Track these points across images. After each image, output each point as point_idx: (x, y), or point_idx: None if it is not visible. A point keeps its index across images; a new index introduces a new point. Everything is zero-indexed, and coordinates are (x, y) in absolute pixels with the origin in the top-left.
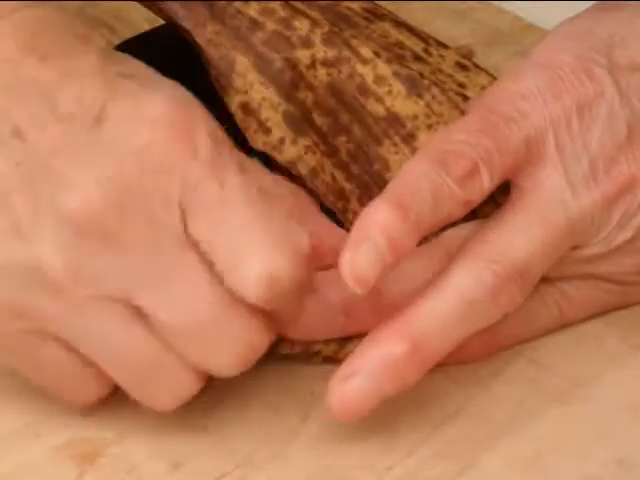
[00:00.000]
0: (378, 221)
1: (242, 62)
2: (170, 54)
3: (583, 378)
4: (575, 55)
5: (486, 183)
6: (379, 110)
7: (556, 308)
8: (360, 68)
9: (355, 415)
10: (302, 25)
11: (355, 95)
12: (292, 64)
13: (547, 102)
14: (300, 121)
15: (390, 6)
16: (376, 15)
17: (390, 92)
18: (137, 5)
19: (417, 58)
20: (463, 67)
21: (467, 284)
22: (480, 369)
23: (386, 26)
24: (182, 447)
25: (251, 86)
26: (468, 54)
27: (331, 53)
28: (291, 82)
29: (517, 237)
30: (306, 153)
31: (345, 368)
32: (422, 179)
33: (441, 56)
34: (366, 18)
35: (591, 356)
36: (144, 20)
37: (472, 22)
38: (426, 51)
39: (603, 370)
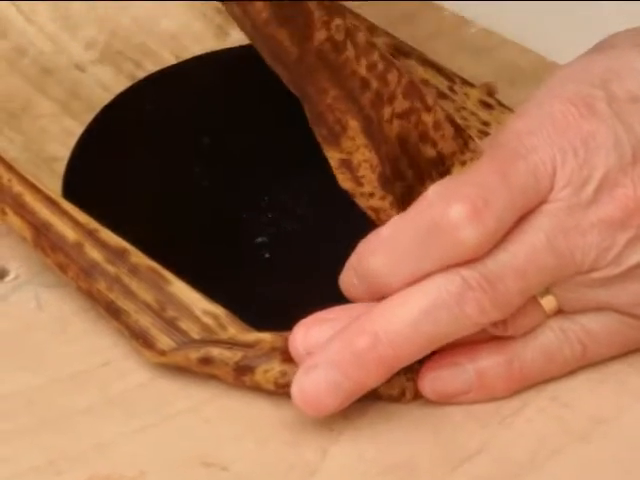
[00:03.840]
0: None
1: (353, 126)
2: (196, 88)
3: (605, 416)
4: (574, 92)
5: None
6: (431, 153)
7: (579, 346)
8: (424, 116)
9: (316, 408)
10: (393, 78)
11: (416, 142)
12: (380, 121)
13: (552, 136)
14: (390, 179)
15: (413, 43)
16: (401, 52)
17: (443, 136)
18: (163, 39)
19: (442, 96)
20: (487, 105)
21: (434, 286)
22: (502, 407)
23: (412, 63)
24: None
25: (357, 149)
26: (491, 91)
27: (406, 105)
28: (379, 140)
29: (493, 249)
30: (391, 208)
31: (309, 360)
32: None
33: (466, 94)
34: (391, 55)
35: (613, 394)
36: (170, 54)
37: (495, 60)
38: (451, 89)
39: (625, 408)
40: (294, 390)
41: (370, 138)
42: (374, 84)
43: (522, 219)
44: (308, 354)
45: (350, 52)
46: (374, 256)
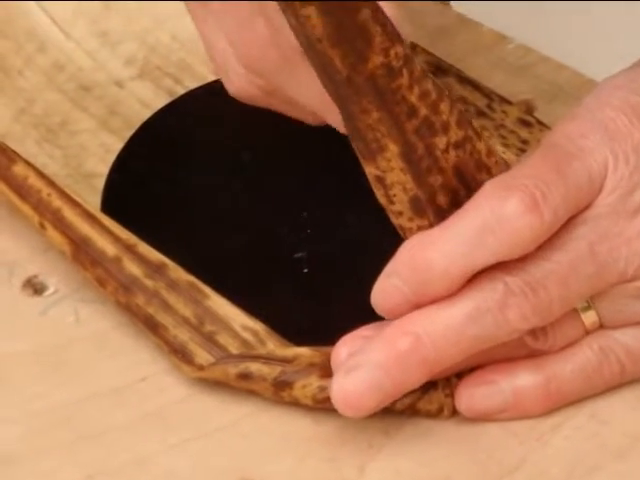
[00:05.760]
0: None
1: (392, 149)
2: (235, 105)
3: None
4: (624, 101)
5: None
6: (486, 180)
7: (618, 365)
8: (478, 144)
9: (357, 408)
10: (445, 108)
11: (473, 172)
12: (431, 150)
13: (604, 141)
14: (424, 204)
15: (451, 59)
16: (441, 69)
17: (496, 162)
18: (202, 55)
19: (480, 113)
20: (526, 123)
21: (477, 291)
22: (540, 423)
23: (450, 81)
24: None
25: (391, 170)
26: (529, 109)
27: (460, 134)
28: (427, 168)
29: (536, 254)
30: (418, 230)
31: (350, 361)
32: None
33: (504, 112)
34: (431, 72)
35: None
36: (209, 70)
37: (532, 77)
38: (489, 107)
39: None
40: (334, 390)
41: (409, 163)
42: (422, 112)
43: (566, 224)
44: (349, 354)
45: (405, 79)
46: (428, 249)
